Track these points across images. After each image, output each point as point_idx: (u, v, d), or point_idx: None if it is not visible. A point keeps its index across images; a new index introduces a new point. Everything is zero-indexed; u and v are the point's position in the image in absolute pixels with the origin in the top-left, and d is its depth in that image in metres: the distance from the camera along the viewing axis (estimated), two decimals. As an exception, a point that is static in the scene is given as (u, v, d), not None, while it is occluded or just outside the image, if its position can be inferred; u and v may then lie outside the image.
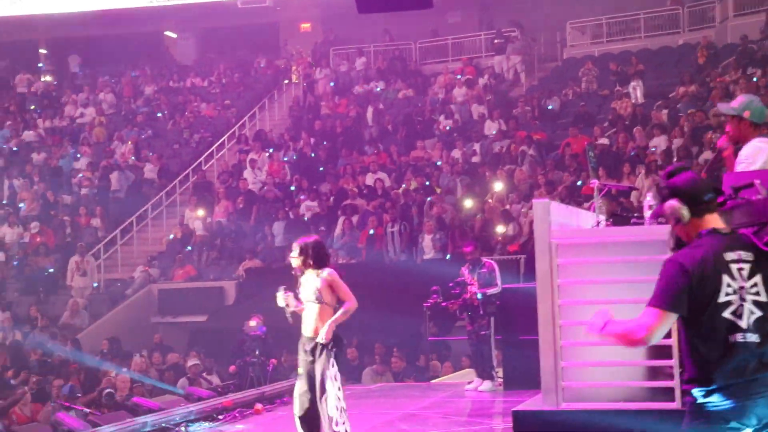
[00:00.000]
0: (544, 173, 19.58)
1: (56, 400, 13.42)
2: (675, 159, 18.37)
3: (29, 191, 24.16)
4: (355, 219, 20.25)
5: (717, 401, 4.31)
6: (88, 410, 12.29)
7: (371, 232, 19.63)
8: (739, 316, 4.29)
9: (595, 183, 8.14)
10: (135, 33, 31.71)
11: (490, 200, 19.36)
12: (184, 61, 31.74)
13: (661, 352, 6.88)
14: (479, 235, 18.21)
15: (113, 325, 19.99)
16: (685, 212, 4.38)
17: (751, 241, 4.44)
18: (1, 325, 19.26)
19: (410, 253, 19.33)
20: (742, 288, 4.32)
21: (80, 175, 24.50)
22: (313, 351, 8.01)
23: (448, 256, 18.18)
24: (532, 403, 7.37)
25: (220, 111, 27.33)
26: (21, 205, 23.95)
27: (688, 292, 4.29)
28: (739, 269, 4.33)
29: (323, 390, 7.86)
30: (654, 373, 6.97)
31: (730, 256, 4.34)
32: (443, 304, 13.74)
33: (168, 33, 33.18)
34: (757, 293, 4.36)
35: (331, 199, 21.52)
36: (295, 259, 8.16)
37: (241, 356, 16.22)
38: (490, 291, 12.71)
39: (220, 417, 11.61)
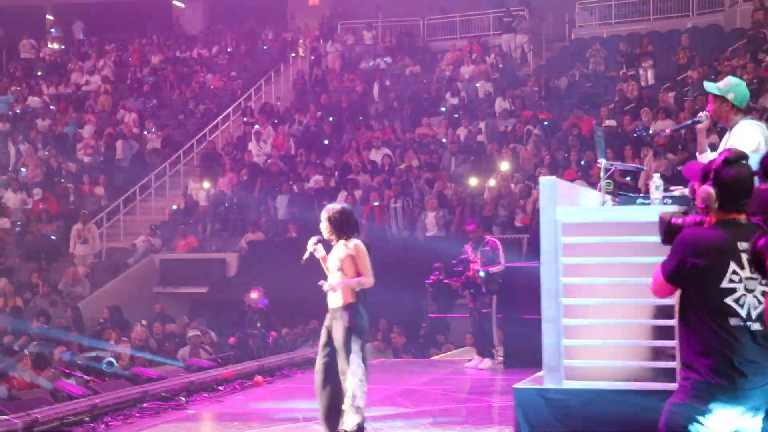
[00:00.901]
0: (548, 153, 19.56)
1: (57, 366, 13.44)
2: (681, 143, 18.33)
3: (33, 157, 24.13)
4: (357, 194, 20.23)
5: (712, 381, 4.36)
6: (88, 378, 12.31)
7: (376, 203, 19.64)
8: (741, 305, 4.39)
9: (601, 162, 8.10)
10: (142, 1, 31.62)
11: (494, 179, 19.34)
12: (191, 31, 31.63)
13: (663, 332, 6.89)
14: (486, 214, 18.22)
15: (114, 294, 20.00)
16: (715, 204, 4.49)
17: (763, 231, 4.48)
18: (2, 291, 19.25)
19: (413, 230, 19.33)
20: (749, 278, 4.40)
21: (84, 142, 24.45)
22: (333, 320, 7.94)
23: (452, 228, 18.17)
24: (533, 380, 7.38)
25: (226, 82, 27.26)
26: (22, 169, 23.93)
27: (691, 269, 4.41)
28: (749, 259, 4.39)
29: (344, 363, 7.76)
30: (656, 353, 6.98)
31: (743, 245, 4.43)
32: (445, 281, 13.77)
33: (175, 2, 33.05)
34: (767, 284, 4.44)
35: (336, 173, 21.50)
36: (324, 228, 8.05)
37: (241, 328, 16.24)
38: (493, 269, 12.73)
39: (220, 388, 11.65)
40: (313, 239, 8.08)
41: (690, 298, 4.49)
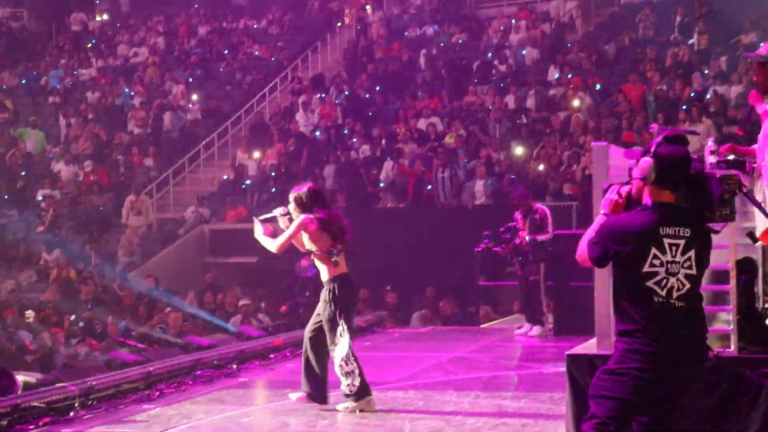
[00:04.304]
0: (597, 120, 19.40)
1: (111, 336, 13.61)
2: (732, 106, 18.10)
3: (83, 129, 24.35)
4: (404, 163, 20.21)
5: (645, 349, 4.66)
6: (141, 346, 12.46)
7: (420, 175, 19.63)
8: (662, 287, 4.67)
9: (654, 127, 8.02)
10: (189, -28, 31.67)
11: (543, 147, 19.23)
12: (238, 1, 31.62)
13: (717, 297, 6.82)
14: (533, 182, 18.13)
15: (165, 265, 20.19)
16: (653, 175, 4.74)
17: (693, 218, 4.79)
18: (55, 262, 19.50)
19: (460, 199, 19.29)
20: (671, 262, 4.68)
21: (133, 114, 24.62)
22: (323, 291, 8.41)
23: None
24: (586, 347, 7.35)
25: (273, 53, 27.28)
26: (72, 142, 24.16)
27: (614, 255, 4.72)
28: (672, 244, 4.69)
29: (331, 339, 8.26)
30: (711, 318, 6.90)
31: (666, 230, 4.70)
32: (494, 249, 13.77)
33: (222, -27, 33.03)
34: (690, 267, 4.73)
35: (383, 142, 21.47)
36: (292, 210, 8.39)
37: (291, 297, 16.33)
38: (541, 237, 12.72)
39: (271, 356, 11.74)
40: (282, 209, 8.50)
41: (617, 279, 4.79)
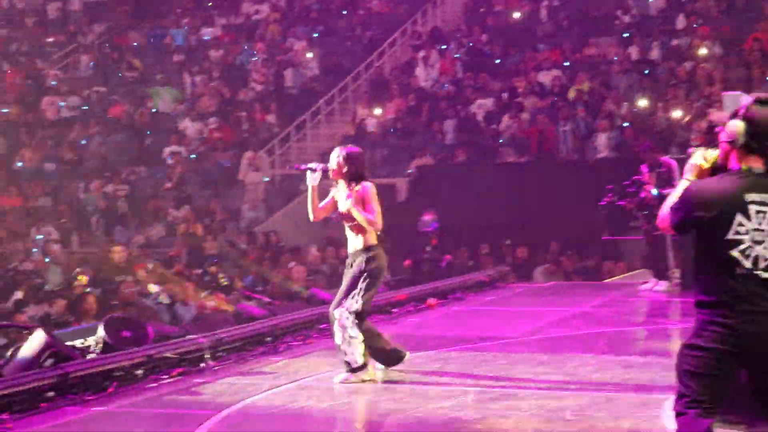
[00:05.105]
0: (725, 70, 18.87)
1: (238, 290, 13.90)
2: None
3: (207, 87, 24.75)
4: (524, 117, 20.01)
5: (720, 321, 4.41)
6: (267, 299, 12.71)
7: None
8: (747, 256, 4.41)
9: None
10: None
11: (667, 99, 18.83)
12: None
13: None
14: (659, 134, 17.78)
15: (288, 220, 20.43)
16: (742, 139, 4.49)
17: None
18: (184, 218, 19.96)
19: (583, 152, 19.04)
20: (757, 230, 4.42)
21: (255, 71, 24.90)
22: (352, 263, 8.17)
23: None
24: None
25: (392, 7, 27.23)
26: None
27: (697, 222, 4.47)
28: (759, 211, 4.43)
29: (339, 302, 7.98)
30: None
31: (752, 197, 4.45)
32: (619, 202, 13.58)
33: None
34: None
35: (503, 96, 21.28)
36: (335, 166, 8.07)
37: (415, 251, 16.39)
38: (668, 191, 12.45)
39: (394, 310, 11.84)
40: (320, 164, 8.21)
41: (699, 246, 4.55)
